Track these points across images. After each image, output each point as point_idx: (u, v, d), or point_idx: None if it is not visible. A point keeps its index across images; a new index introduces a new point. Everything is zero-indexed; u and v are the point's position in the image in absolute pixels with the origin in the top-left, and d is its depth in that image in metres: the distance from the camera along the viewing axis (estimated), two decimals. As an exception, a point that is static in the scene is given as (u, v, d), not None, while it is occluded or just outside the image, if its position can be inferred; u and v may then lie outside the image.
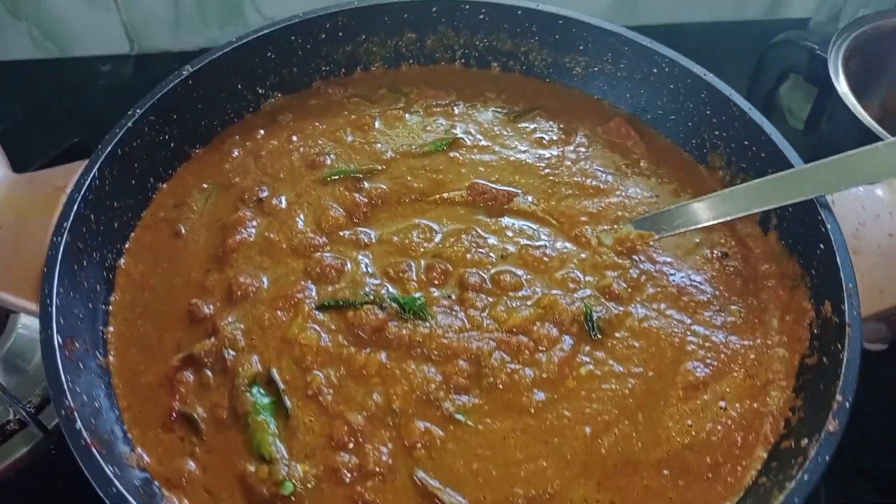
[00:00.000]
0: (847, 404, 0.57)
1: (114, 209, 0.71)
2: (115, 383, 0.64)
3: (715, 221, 0.72)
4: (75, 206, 0.65)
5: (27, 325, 0.86)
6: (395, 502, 0.59)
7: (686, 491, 0.60)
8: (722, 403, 0.65)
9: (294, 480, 0.58)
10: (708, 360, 0.67)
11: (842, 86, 0.92)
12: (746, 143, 0.75)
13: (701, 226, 0.73)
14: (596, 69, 0.85)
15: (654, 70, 0.81)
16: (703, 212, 0.72)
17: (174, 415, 0.62)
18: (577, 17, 0.83)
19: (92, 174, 0.67)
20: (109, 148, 0.69)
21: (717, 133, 0.79)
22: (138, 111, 0.72)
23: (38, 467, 0.79)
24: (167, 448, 0.61)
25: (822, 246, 0.66)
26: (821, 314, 0.65)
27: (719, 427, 0.63)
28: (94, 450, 0.54)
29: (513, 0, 0.84)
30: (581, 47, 0.84)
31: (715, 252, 0.74)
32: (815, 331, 0.65)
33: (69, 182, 0.67)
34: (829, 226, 0.66)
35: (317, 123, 0.83)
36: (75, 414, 0.55)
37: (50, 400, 0.81)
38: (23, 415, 0.76)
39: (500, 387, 0.64)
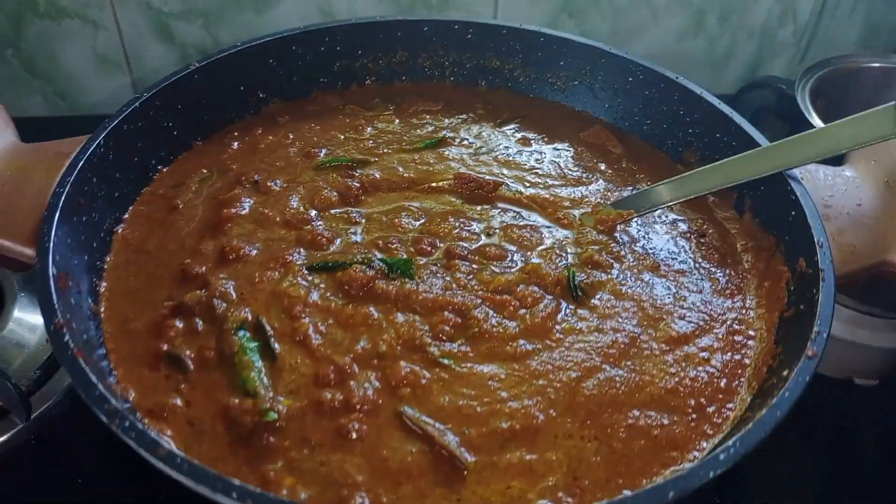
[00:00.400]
0: (824, 335, 0.58)
1: (115, 179, 0.74)
2: (105, 328, 0.65)
3: (690, 197, 0.76)
4: (79, 165, 0.68)
5: (18, 318, 0.87)
6: (378, 434, 0.58)
7: (671, 428, 0.60)
8: (704, 355, 0.66)
9: (277, 412, 0.58)
10: (689, 318, 0.69)
11: (815, 120, 0.99)
12: (718, 135, 0.80)
13: (677, 201, 0.76)
14: (576, 82, 0.92)
15: (630, 79, 0.87)
16: (679, 189, 0.76)
17: (161, 355, 0.62)
18: (558, 34, 0.90)
19: (97, 142, 0.71)
20: (115, 122, 0.74)
21: (690, 131, 0.84)
22: (145, 94, 0.77)
23: (17, 456, 0.77)
24: (151, 384, 0.61)
25: (793, 213, 0.69)
26: (796, 272, 0.67)
27: (703, 375, 0.64)
28: (80, 359, 0.54)
29: (498, 20, 0.91)
30: (562, 62, 0.91)
31: (693, 232, 0.77)
32: (792, 287, 0.67)
33: (75, 150, 0.71)
34: (798, 193, 0.70)
35: (313, 125, 0.88)
36: (64, 329, 0.56)
37: (35, 391, 0.82)
38: (10, 392, 0.75)
39: (485, 336, 0.65)
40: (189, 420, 0.59)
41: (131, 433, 0.50)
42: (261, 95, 0.89)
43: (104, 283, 0.69)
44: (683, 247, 0.76)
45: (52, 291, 0.58)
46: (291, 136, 0.85)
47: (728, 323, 0.68)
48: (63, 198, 0.65)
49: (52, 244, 0.61)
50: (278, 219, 0.75)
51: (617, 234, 0.76)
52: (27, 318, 0.87)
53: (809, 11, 1.34)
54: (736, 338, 0.67)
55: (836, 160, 0.77)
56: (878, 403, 0.99)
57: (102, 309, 0.66)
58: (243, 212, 0.75)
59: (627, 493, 0.52)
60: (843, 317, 0.97)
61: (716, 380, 0.63)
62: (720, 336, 0.67)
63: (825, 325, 0.59)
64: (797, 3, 1.35)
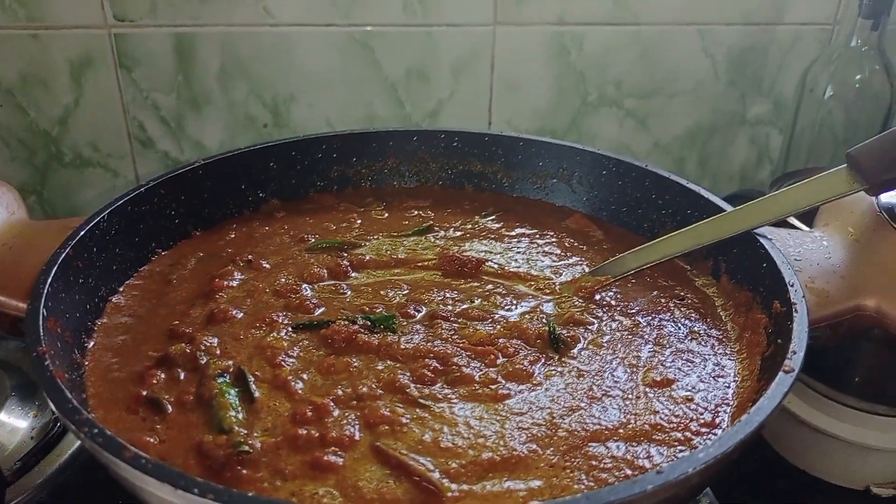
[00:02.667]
0: (801, 355, 0.58)
1: (115, 254, 0.78)
2: (87, 377, 0.65)
3: (665, 258, 0.78)
4: (82, 233, 0.73)
5: (2, 420, 0.86)
6: (354, 466, 0.56)
7: (657, 460, 0.58)
8: (688, 394, 0.65)
9: (251, 446, 0.57)
10: (670, 365, 0.68)
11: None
12: (689, 211, 0.84)
13: (653, 262, 0.78)
14: (555, 180, 0.98)
15: (604, 172, 0.93)
16: (653, 253, 0.79)
17: (141, 399, 0.62)
18: (534, 138, 0.98)
19: (101, 216, 0.76)
20: (121, 202, 0.79)
21: (663, 212, 0.88)
22: (152, 182, 0.83)
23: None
24: (127, 425, 0.60)
25: (764, 265, 0.72)
26: (772, 315, 0.68)
27: (688, 412, 0.63)
28: (58, 379, 0.54)
29: (480, 129, 0.99)
30: (540, 163, 0.98)
31: (672, 297, 0.79)
32: (770, 330, 0.68)
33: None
34: (767, 247, 0.72)
35: (308, 218, 0.93)
36: (46, 356, 0.57)
37: (13, 482, 0.80)
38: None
39: (466, 380, 0.65)
40: (161, 455, 0.58)
41: (99, 439, 0.49)
42: (260, 195, 0.95)
43: (92, 341, 0.70)
44: (663, 307, 0.77)
45: (40, 324, 0.60)
46: (286, 227, 0.91)
47: (710, 368, 0.68)
48: (62, 257, 0.69)
49: (45, 290, 0.64)
50: (268, 290, 0.77)
51: (596, 299, 0.78)
52: (11, 422, 0.87)
53: (778, 149, 1.44)
54: (718, 381, 0.67)
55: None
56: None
57: (87, 361, 0.67)
58: (234, 283, 0.78)
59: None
60: (851, 419, 0.95)
61: (700, 415, 0.62)
62: (703, 378, 0.67)
63: (800, 346, 0.59)
64: (769, 147, 1.46)
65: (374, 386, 0.64)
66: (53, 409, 0.52)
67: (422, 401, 0.62)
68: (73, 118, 1.25)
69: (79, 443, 0.83)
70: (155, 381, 0.64)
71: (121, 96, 1.25)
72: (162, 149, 1.30)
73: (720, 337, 0.73)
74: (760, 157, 1.47)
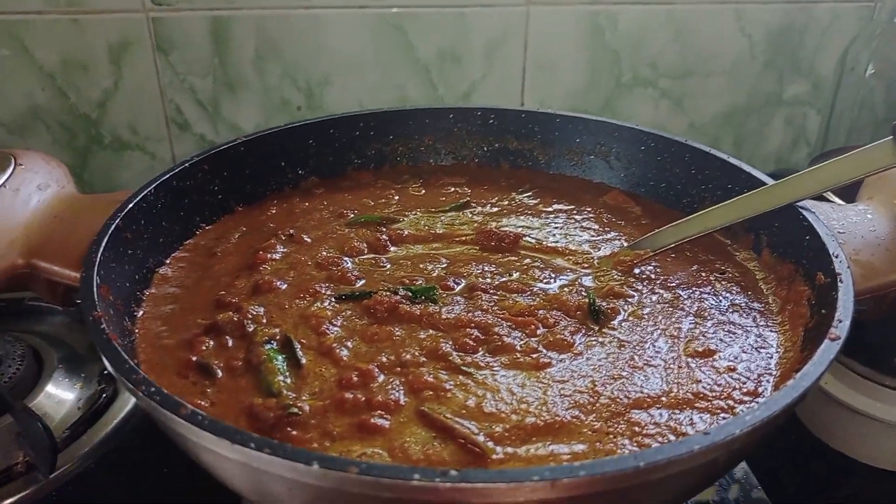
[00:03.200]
0: (847, 323, 0.58)
1: (161, 226, 0.80)
2: (138, 343, 0.67)
3: (705, 232, 0.78)
4: (130, 205, 0.74)
5: (49, 392, 0.89)
6: (400, 429, 0.57)
7: (701, 427, 0.58)
8: (730, 364, 0.65)
9: (299, 408, 0.58)
10: (712, 336, 0.68)
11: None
12: (729, 185, 0.84)
13: (693, 236, 0.78)
14: (592, 157, 0.98)
15: (642, 147, 0.93)
16: (694, 227, 0.78)
17: (191, 364, 0.64)
18: (572, 114, 0.98)
19: (148, 189, 0.78)
20: (167, 176, 0.81)
21: (703, 187, 0.88)
22: (195, 158, 0.85)
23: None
24: (179, 389, 0.62)
25: (807, 237, 0.71)
26: (815, 286, 0.68)
27: (731, 381, 0.63)
28: (115, 342, 0.56)
29: (516, 106, 0.99)
30: (577, 140, 0.98)
31: (714, 270, 0.79)
32: (813, 301, 0.67)
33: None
34: (811, 219, 0.72)
35: (346, 195, 0.94)
36: (102, 319, 0.58)
37: (62, 449, 0.82)
38: (42, 436, 0.76)
39: (507, 349, 0.65)
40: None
41: (157, 397, 0.51)
42: (299, 172, 0.97)
43: (141, 311, 0.72)
44: (703, 281, 0.77)
45: (94, 290, 0.62)
46: (325, 203, 0.92)
47: (751, 339, 0.68)
48: (112, 228, 0.71)
49: (98, 259, 0.66)
50: (310, 262, 0.79)
51: (636, 273, 0.78)
52: (58, 393, 0.89)
53: (815, 130, 1.42)
54: (761, 352, 0.67)
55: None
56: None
57: (137, 329, 0.69)
58: (277, 256, 0.80)
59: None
60: (889, 399, 0.94)
61: (743, 384, 0.62)
62: (745, 349, 0.67)
63: (846, 315, 0.59)
64: (806, 129, 1.44)
65: (417, 353, 0.65)
66: (111, 369, 0.54)
67: (464, 368, 0.63)
68: (113, 102, 1.28)
69: (123, 414, 0.86)
70: (204, 348, 0.66)
71: (158, 80, 1.27)
72: (198, 132, 1.32)
73: (762, 310, 0.72)
74: (797, 138, 1.46)
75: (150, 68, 1.26)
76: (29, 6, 1.17)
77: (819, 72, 1.38)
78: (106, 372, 0.88)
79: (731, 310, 0.72)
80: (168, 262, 0.80)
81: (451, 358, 0.64)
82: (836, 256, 0.65)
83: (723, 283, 0.77)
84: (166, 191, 0.80)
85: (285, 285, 0.74)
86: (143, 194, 0.77)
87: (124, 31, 1.22)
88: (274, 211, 0.90)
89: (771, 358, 0.65)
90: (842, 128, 1.32)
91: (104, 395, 0.86)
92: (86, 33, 1.22)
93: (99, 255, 0.66)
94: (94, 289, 0.62)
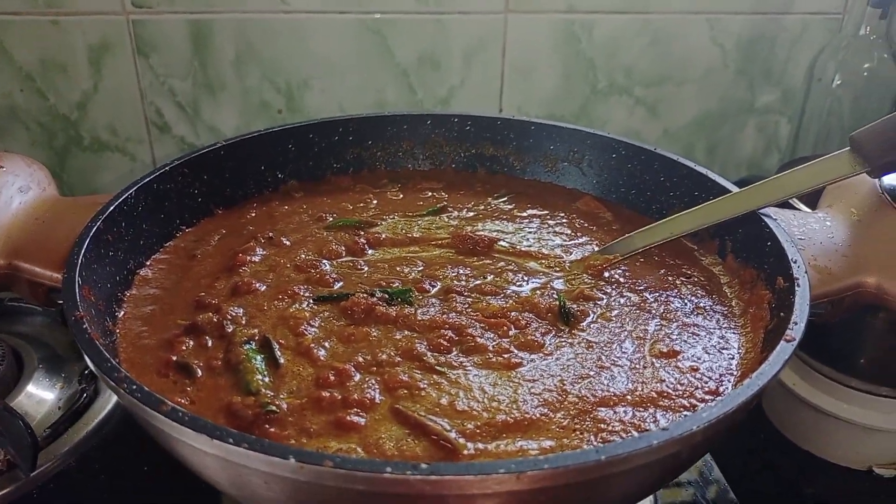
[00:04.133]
0: (802, 325, 0.61)
1: (142, 229, 0.81)
2: (119, 343, 0.68)
3: (673, 237, 0.81)
4: (111, 208, 0.76)
5: (30, 391, 0.90)
6: (375, 426, 0.59)
7: (663, 423, 0.60)
8: (693, 364, 0.67)
9: (277, 406, 0.60)
10: (676, 337, 0.71)
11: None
12: (696, 193, 0.87)
13: (661, 241, 0.81)
14: (565, 163, 1.00)
15: (613, 155, 0.96)
16: (661, 232, 0.81)
17: (171, 364, 0.66)
18: (546, 122, 1.00)
19: (129, 192, 0.79)
20: (147, 179, 0.82)
21: (671, 194, 0.91)
22: (175, 161, 0.86)
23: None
24: (160, 387, 0.63)
25: (769, 243, 0.74)
26: (776, 290, 0.71)
27: (693, 381, 0.65)
28: (96, 341, 0.57)
29: (492, 114, 1.02)
30: (551, 146, 1.00)
31: (680, 274, 0.81)
32: (773, 305, 0.70)
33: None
34: (772, 226, 0.75)
35: (325, 199, 0.96)
36: (84, 320, 0.60)
37: (43, 447, 0.83)
38: (23, 433, 0.77)
39: (480, 349, 0.68)
40: (192, 415, 0.60)
41: (137, 394, 0.52)
42: (279, 175, 0.98)
43: (122, 311, 0.73)
44: (670, 284, 0.80)
45: (76, 291, 0.63)
46: (305, 206, 0.93)
47: (714, 341, 0.71)
48: (93, 230, 0.72)
49: (80, 260, 0.67)
50: (289, 265, 0.80)
51: (605, 276, 0.81)
52: (39, 393, 0.90)
53: (786, 137, 1.46)
54: (723, 352, 0.69)
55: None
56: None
57: (118, 329, 0.70)
58: (256, 258, 0.81)
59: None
60: (855, 400, 0.97)
61: (705, 384, 0.65)
62: (708, 350, 0.69)
63: (801, 318, 0.61)
64: (778, 135, 1.48)
65: (392, 354, 0.67)
66: (93, 367, 0.55)
67: (438, 367, 0.65)
68: (92, 103, 1.28)
69: (104, 413, 0.87)
70: (184, 348, 0.68)
71: (138, 82, 1.28)
72: (178, 133, 1.33)
73: (725, 312, 0.75)
74: (769, 145, 1.49)
75: (130, 70, 1.26)
76: (7, 7, 1.18)
77: (789, 81, 1.42)
78: (87, 371, 0.89)
79: (695, 312, 0.75)
80: (148, 263, 0.81)
81: (425, 358, 0.66)
82: (795, 262, 0.68)
83: (688, 286, 0.80)
84: (147, 193, 0.82)
85: (264, 287, 0.76)
86: (123, 197, 0.78)
87: (104, 33, 1.23)
88: (254, 214, 0.92)
89: (732, 359, 0.68)
90: (811, 135, 1.36)
91: (85, 395, 0.87)
92: (65, 34, 1.22)
93: (80, 257, 0.68)
94: (77, 289, 0.64)
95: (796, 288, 0.65)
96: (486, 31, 1.29)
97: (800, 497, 0.99)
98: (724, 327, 0.73)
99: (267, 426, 0.59)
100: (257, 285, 0.76)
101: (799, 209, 0.86)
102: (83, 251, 0.69)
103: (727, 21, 1.35)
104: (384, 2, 1.25)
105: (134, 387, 0.53)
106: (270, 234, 0.86)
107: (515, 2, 1.27)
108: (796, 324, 0.60)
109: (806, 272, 0.67)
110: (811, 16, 1.37)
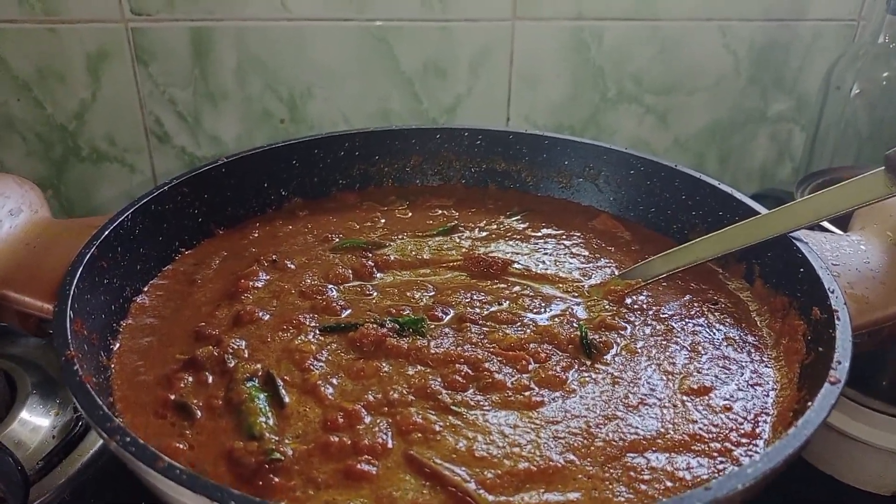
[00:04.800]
0: (846, 365, 0.57)
1: (139, 253, 0.77)
2: (114, 380, 0.64)
3: (697, 262, 0.77)
4: (106, 232, 0.72)
5: (24, 419, 0.86)
6: (388, 475, 0.55)
7: (698, 471, 0.56)
8: (726, 403, 0.63)
9: (282, 453, 0.56)
10: (706, 372, 0.67)
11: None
12: (720, 213, 0.83)
13: (685, 266, 0.77)
14: (581, 179, 0.96)
15: (632, 172, 0.92)
16: (685, 256, 0.77)
17: (169, 403, 0.61)
18: (560, 136, 0.96)
19: (125, 215, 0.75)
20: (144, 201, 0.78)
21: (693, 213, 0.87)
22: (174, 180, 0.82)
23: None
24: (156, 430, 0.59)
25: (801, 269, 0.70)
26: (811, 322, 0.67)
27: (727, 421, 0.61)
28: (87, 384, 0.53)
29: (505, 127, 0.98)
30: (566, 162, 0.96)
31: (706, 301, 0.77)
32: (809, 337, 0.66)
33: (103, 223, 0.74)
34: (805, 251, 0.71)
35: (331, 217, 0.92)
36: (74, 360, 0.56)
37: (36, 481, 0.79)
38: (12, 469, 0.73)
39: (498, 386, 0.64)
40: (191, 462, 0.57)
41: (132, 448, 0.48)
42: (283, 193, 0.94)
43: (118, 343, 0.69)
44: (696, 312, 0.76)
45: (68, 327, 0.59)
46: (310, 226, 0.89)
47: (747, 375, 0.67)
48: (87, 257, 0.68)
49: (72, 291, 0.63)
50: (293, 290, 0.76)
51: (627, 303, 0.77)
52: (33, 420, 0.86)
53: (802, 148, 1.42)
54: (756, 389, 0.65)
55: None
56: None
57: (113, 364, 0.66)
58: (259, 284, 0.77)
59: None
60: (878, 423, 0.93)
61: (740, 426, 0.61)
62: (741, 386, 0.65)
63: (845, 356, 0.57)
64: (791, 145, 1.44)
65: (405, 391, 0.63)
66: (84, 415, 0.51)
67: (454, 408, 0.61)
68: (90, 113, 1.24)
69: (99, 444, 0.83)
70: (182, 385, 0.63)
71: (138, 91, 1.24)
72: (179, 144, 1.29)
73: (756, 343, 0.71)
74: (781, 154, 1.46)
75: (130, 79, 1.23)
76: (3, 14, 1.14)
77: (803, 89, 1.38)
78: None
79: (725, 343, 0.71)
80: (146, 290, 0.77)
81: (440, 396, 0.62)
82: (832, 292, 0.64)
83: (716, 314, 0.76)
84: (144, 215, 0.77)
85: (268, 316, 0.72)
86: (119, 220, 0.74)
87: (102, 41, 1.19)
88: (256, 234, 0.88)
89: (767, 396, 0.64)
90: (827, 145, 1.32)
91: (80, 424, 0.83)
92: (63, 42, 1.18)
93: (73, 287, 0.64)
94: (68, 325, 0.59)
95: (836, 322, 0.61)
96: (492, 38, 1.25)
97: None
98: (756, 360, 0.69)
99: (271, 476, 0.54)
100: (260, 314, 0.72)
101: (829, 230, 0.82)
102: (76, 280, 0.64)
103: (739, 28, 1.31)
104: (388, 9, 1.21)
105: (128, 439, 0.49)
106: (274, 256, 0.82)
107: (523, 9, 1.23)
108: (840, 363, 0.56)
109: (845, 303, 0.63)
110: (825, 22, 1.34)
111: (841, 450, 0.96)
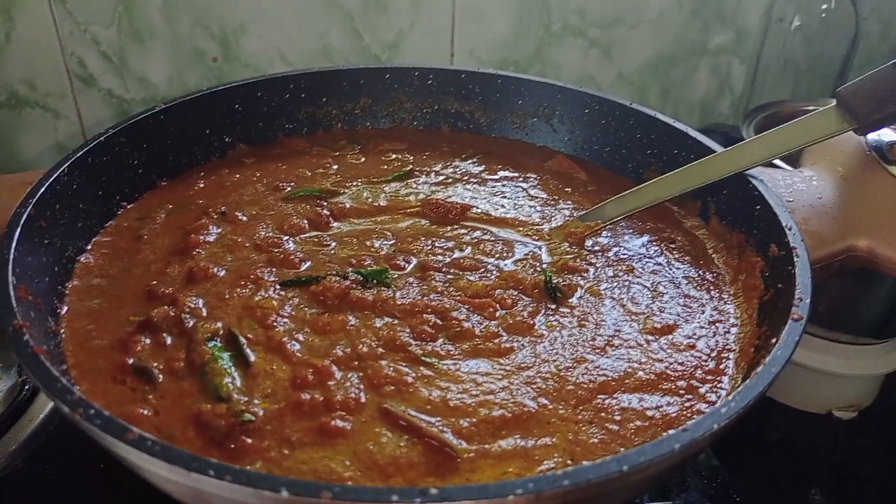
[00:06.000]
0: (807, 301, 0.58)
1: (78, 209, 0.72)
2: (65, 346, 0.61)
3: (655, 202, 0.77)
4: (42, 189, 0.67)
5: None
6: (363, 430, 0.55)
7: (666, 409, 0.58)
8: (689, 341, 0.65)
9: (253, 414, 0.55)
10: (668, 311, 0.68)
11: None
12: (675, 151, 0.83)
13: (643, 207, 0.77)
14: (535, 119, 0.95)
15: (586, 111, 0.91)
16: (643, 196, 0.78)
17: (127, 368, 0.59)
18: (513, 75, 0.95)
19: (61, 169, 0.70)
20: (80, 153, 0.73)
21: (648, 152, 0.87)
22: (111, 130, 0.77)
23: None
24: (117, 397, 0.57)
25: (758, 207, 0.71)
26: (769, 258, 0.68)
27: (691, 359, 0.63)
28: (40, 355, 0.50)
29: (456, 66, 0.95)
30: (519, 101, 0.95)
31: (664, 239, 0.78)
32: (767, 273, 0.68)
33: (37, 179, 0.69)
34: (760, 189, 0.72)
35: (280, 164, 0.88)
36: (24, 329, 0.52)
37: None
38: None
39: (467, 334, 0.63)
40: (158, 429, 0.54)
41: (97, 420, 0.46)
42: (226, 139, 0.90)
43: (65, 307, 0.65)
44: (655, 252, 0.76)
45: (11, 295, 0.55)
46: (258, 174, 0.86)
47: (708, 313, 0.68)
48: (24, 217, 0.63)
49: (11, 255, 0.59)
50: (248, 244, 0.73)
51: (587, 245, 0.77)
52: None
53: (743, 81, 1.44)
54: (718, 326, 0.67)
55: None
56: (859, 434, 0.98)
57: (63, 329, 0.63)
58: (211, 238, 0.74)
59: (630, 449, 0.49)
60: (815, 347, 0.98)
61: (704, 363, 0.62)
62: (702, 324, 0.67)
63: (806, 293, 0.59)
64: (731, 78, 1.45)
65: (374, 344, 0.62)
66: (42, 388, 0.48)
67: (425, 358, 0.61)
68: (4, 55, 1.15)
69: (50, 407, 0.79)
70: (139, 348, 0.61)
71: (56, 30, 1.15)
72: (105, 86, 1.21)
73: (714, 281, 0.73)
74: (721, 87, 1.47)
75: (47, 17, 1.14)
76: None
77: (743, 21, 1.38)
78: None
79: (685, 282, 0.72)
80: (89, 248, 0.73)
81: (410, 348, 0.61)
82: (790, 229, 0.66)
83: (674, 252, 0.77)
84: (81, 169, 0.73)
85: (223, 272, 0.69)
86: (55, 175, 0.69)
87: (13, -24, 1.10)
88: (202, 185, 0.84)
89: (728, 333, 0.66)
90: (767, 79, 1.34)
91: (27, 388, 0.80)
92: (-31, -22, 1.09)
93: (12, 251, 0.59)
94: (12, 293, 0.56)
95: (795, 258, 0.62)
96: (436, -30, 1.21)
97: (763, 441, 1.00)
98: (716, 298, 0.70)
99: (243, 438, 0.53)
100: (215, 270, 0.69)
101: (781, 167, 0.84)
102: (14, 244, 0.60)
103: (682, -41, 1.30)
104: (327, -61, 1.15)
105: (92, 411, 0.46)
106: (223, 208, 0.78)
107: (467, -60, 1.19)
108: (801, 300, 0.58)
109: (803, 240, 0.64)
110: (768, -46, 1.33)
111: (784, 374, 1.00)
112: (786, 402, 1.01)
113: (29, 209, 0.64)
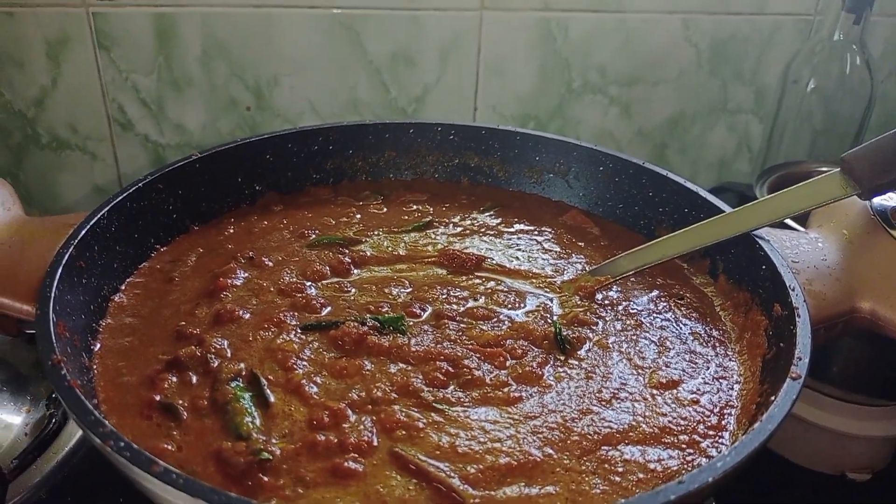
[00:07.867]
0: (806, 360, 0.60)
1: (115, 251, 0.76)
2: (97, 382, 0.64)
3: (664, 259, 0.79)
4: (83, 231, 0.71)
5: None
6: (374, 472, 0.57)
7: (668, 462, 0.60)
8: (693, 397, 0.67)
9: (270, 453, 0.57)
10: (674, 366, 0.70)
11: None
12: (686, 209, 0.86)
13: (652, 264, 0.80)
14: (551, 175, 0.98)
15: (601, 168, 0.94)
16: (653, 254, 0.80)
17: (154, 405, 0.62)
18: (531, 132, 0.98)
19: (101, 213, 0.74)
20: (120, 198, 0.77)
21: (660, 210, 0.89)
22: (149, 177, 0.82)
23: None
24: (143, 432, 0.60)
25: (763, 267, 0.73)
26: (773, 317, 0.70)
27: (694, 414, 0.65)
28: (76, 389, 0.54)
29: (477, 123, 0.99)
30: (537, 157, 0.98)
31: (672, 295, 0.81)
32: (770, 332, 0.70)
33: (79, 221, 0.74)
34: (766, 249, 0.74)
35: (306, 212, 0.92)
36: (61, 364, 0.56)
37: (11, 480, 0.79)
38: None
39: (477, 382, 0.66)
40: (180, 463, 0.57)
41: (126, 452, 0.49)
42: (257, 188, 0.94)
43: (98, 344, 0.69)
44: (663, 307, 0.79)
45: (52, 331, 0.59)
46: (285, 221, 0.90)
47: (713, 369, 0.70)
48: (66, 258, 0.68)
49: (53, 293, 0.63)
50: (272, 288, 0.77)
51: (598, 298, 0.79)
52: (4, 418, 0.85)
53: (760, 138, 1.46)
54: (721, 382, 0.69)
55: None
56: (872, 497, 0.98)
57: (95, 365, 0.66)
58: (238, 282, 0.78)
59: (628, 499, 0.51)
60: (829, 407, 0.98)
61: (707, 418, 0.64)
62: (707, 380, 0.69)
63: (805, 352, 0.61)
64: (749, 137, 1.48)
65: (388, 389, 0.64)
66: (76, 421, 0.52)
67: (436, 405, 0.63)
68: (50, 99, 1.22)
69: (75, 440, 0.83)
70: (167, 386, 0.64)
71: (99, 77, 1.22)
72: (142, 131, 1.28)
73: (720, 338, 0.75)
74: (740, 145, 1.50)
75: (91, 65, 1.21)
76: (-42, -1, 1.11)
77: (761, 82, 1.42)
78: (54, 395, 0.85)
79: (691, 337, 0.74)
80: (123, 288, 0.77)
81: (422, 394, 0.64)
82: (793, 289, 0.68)
83: (682, 308, 0.79)
84: (120, 213, 0.77)
85: (248, 314, 0.73)
86: (96, 218, 0.73)
87: (63, 26, 1.17)
88: (232, 230, 0.88)
89: (732, 389, 0.68)
90: (784, 138, 1.37)
91: (53, 421, 0.83)
92: (21, 27, 1.16)
93: (54, 289, 0.63)
94: (52, 328, 0.59)
95: (797, 318, 0.64)
96: (461, 28, 1.26)
97: (775, 502, 1.00)
98: (721, 354, 0.72)
99: (261, 475, 0.56)
100: (240, 312, 0.73)
101: (792, 227, 0.86)
102: (55, 282, 0.64)
103: (701, 20, 1.34)
104: (356, -4, 1.21)
105: (122, 444, 0.49)
106: (251, 253, 0.82)
107: (491, -1, 1.24)
108: (801, 359, 0.60)
109: (805, 301, 0.66)
110: (783, 17, 1.37)
111: (794, 432, 1.01)
112: (799, 463, 1.02)
113: (70, 250, 0.68)
